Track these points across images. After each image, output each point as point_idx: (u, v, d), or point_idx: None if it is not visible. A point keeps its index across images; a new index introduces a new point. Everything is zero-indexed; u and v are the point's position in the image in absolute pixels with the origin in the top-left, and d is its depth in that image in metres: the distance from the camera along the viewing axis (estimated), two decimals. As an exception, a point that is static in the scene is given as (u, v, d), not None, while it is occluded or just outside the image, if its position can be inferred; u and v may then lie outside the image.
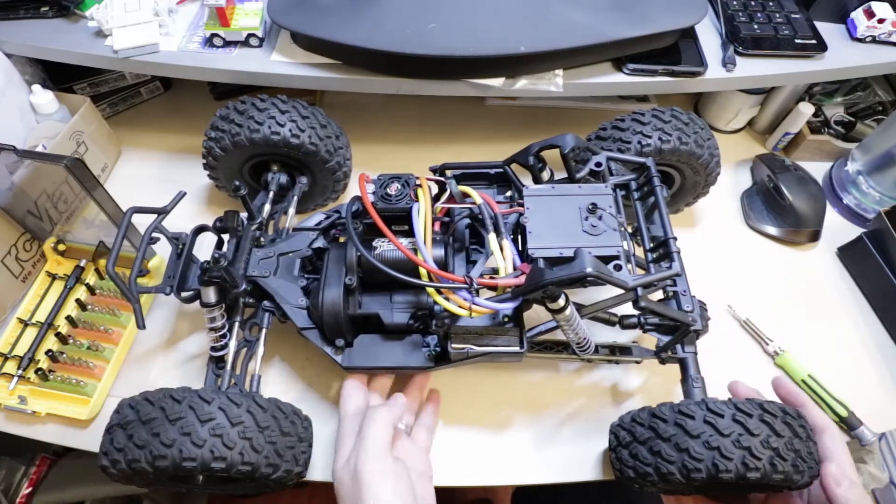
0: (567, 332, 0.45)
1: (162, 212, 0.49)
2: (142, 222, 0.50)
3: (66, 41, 0.60)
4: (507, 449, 0.52)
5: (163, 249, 0.60)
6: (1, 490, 0.68)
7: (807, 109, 0.70)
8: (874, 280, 0.62)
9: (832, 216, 0.71)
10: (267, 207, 0.56)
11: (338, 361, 0.48)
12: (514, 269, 0.44)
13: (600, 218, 0.44)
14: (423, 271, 0.44)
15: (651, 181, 0.50)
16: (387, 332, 0.49)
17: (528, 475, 0.51)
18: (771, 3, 0.69)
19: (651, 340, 0.52)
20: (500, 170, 0.54)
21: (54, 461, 0.72)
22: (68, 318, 0.55)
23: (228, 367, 0.47)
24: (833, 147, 0.74)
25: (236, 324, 0.49)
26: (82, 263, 0.59)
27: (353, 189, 0.67)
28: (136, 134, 0.72)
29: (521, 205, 0.46)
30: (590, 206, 0.45)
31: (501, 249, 0.44)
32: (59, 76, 0.68)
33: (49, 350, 0.52)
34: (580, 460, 0.52)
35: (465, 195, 0.48)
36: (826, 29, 0.67)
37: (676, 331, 0.48)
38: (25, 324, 0.55)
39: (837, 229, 0.69)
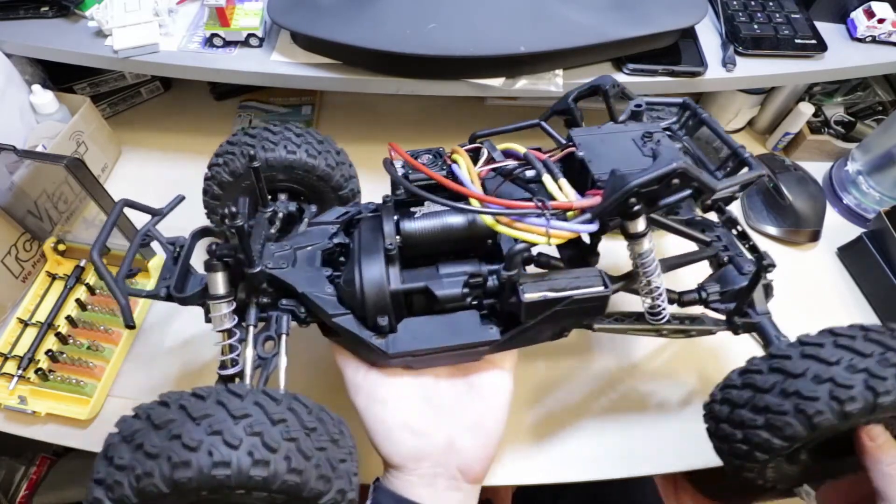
0: (642, 276, 0.40)
1: (157, 213, 0.44)
2: (143, 223, 0.49)
3: (66, 41, 0.60)
4: (508, 449, 0.52)
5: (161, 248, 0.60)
6: (1, 490, 0.68)
7: (807, 109, 0.70)
8: (874, 280, 0.62)
9: (832, 216, 0.71)
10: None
11: (380, 348, 0.39)
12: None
13: (658, 143, 0.40)
14: (475, 203, 0.38)
15: (697, 114, 0.47)
16: (434, 312, 0.42)
17: (529, 475, 0.51)
18: (771, 3, 0.69)
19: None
20: (537, 126, 0.48)
21: (54, 461, 0.72)
22: (68, 318, 0.55)
23: (248, 381, 0.39)
24: (833, 147, 0.74)
25: (251, 329, 0.41)
26: (82, 263, 0.59)
27: (367, 197, 0.60)
28: (136, 134, 0.72)
29: (567, 147, 0.42)
30: (645, 135, 0.41)
31: (560, 190, 0.38)
32: (59, 76, 0.68)
33: (49, 350, 0.52)
34: (582, 459, 0.52)
35: (506, 153, 0.43)
36: (826, 29, 0.67)
37: (741, 294, 0.44)
38: (25, 324, 0.55)
39: (837, 229, 0.69)
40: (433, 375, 0.42)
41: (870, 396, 0.32)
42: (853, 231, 0.67)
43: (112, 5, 0.60)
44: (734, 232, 0.48)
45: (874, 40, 0.68)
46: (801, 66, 0.65)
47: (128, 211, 0.54)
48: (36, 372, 0.51)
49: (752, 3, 0.69)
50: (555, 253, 0.45)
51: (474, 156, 0.43)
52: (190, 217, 0.63)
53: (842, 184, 0.71)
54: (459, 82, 0.60)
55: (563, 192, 0.38)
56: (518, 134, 0.48)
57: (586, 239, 0.42)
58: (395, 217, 0.42)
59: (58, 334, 0.53)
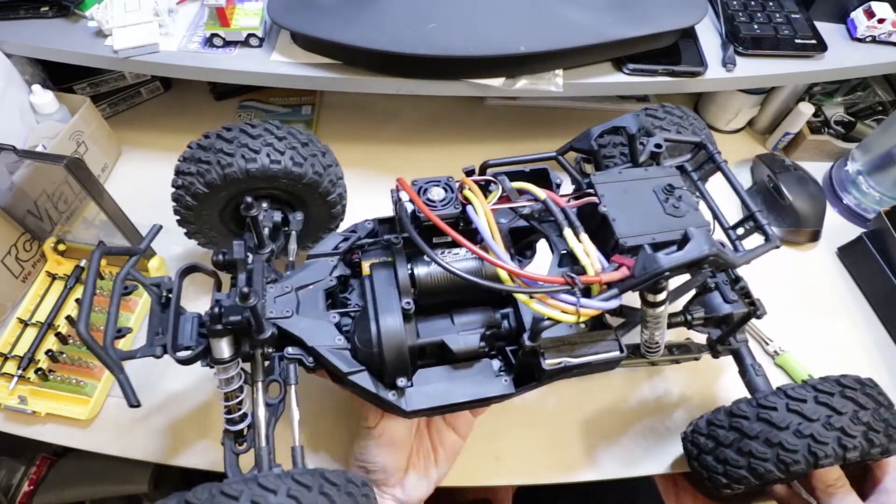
0: (651, 329, 0.42)
1: (135, 252, 0.40)
2: (143, 223, 0.48)
3: (66, 41, 0.60)
4: (508, 449, 0.52)
5: (161, 248, 0.60)
6: (1, 490, 0.68)
7: (807, 109, 0.70)
8: (874, 280, 0.62)
9: (832, 216, 0.71)
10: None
11: (400, 407, 0.39)
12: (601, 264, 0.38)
13: (680, 198, 0.40)
14: (503, 275, 0.37)
15: (713, 159, 0.47)
16: (447, 362, 0.42)
17: (529, 475, 0.51)
18: (771, 3, 0.69)
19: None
20: (539, 167, 0.47)
21: (54, 461, 0.72)
22: (68, 318, 0.55)
23: (263, 441, 0.37)
24: (833, 147, 0.74)
25: (259, 386, 0.39)
26: (82, 263, 0.59)
27: (349, 221, 0.54)
28: (136, 134, 0.72)
29: (587, 195, 0.41)
30: (666, 187, 0.41)
31: (583, 247, 0.38)
32: (59, 76, 0.68)
33: (49, 350, 0.52)
34: (582, 460, 0.52)
35: (521, 192, 0.43)
36: (826, 29, 0.67)
37: (727, 322, 0.47)
38: (25, 324, 0.55)
39: (837, 229, 0.69)
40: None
41: (840, 452, 0.37)
42: (853, 231, 0.67)
43: (112, 5, 0.60)
44: (738, 288, 0.48)
45: (874, 40, 0.68)
46: (801, 66, 0.65)
47: (125, 207, 0.55)
48: (36, 372, 0.51)
49: (752, 3, 0.69)
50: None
51: (485, 187, 0.43)
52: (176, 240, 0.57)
53: (842, 184, 0.71)
54: (459, 82, 0.60)
55: (586, 253, 0.38)
56: (498, 144, 0.47)
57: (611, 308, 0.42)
58: (409, 266, 0.41)
59: (58, 334, 0.53)
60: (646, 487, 0.66)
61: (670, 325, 0.47)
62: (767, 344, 0.59)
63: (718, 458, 0.42)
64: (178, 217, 0.51)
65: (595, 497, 0.64)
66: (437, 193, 0.41)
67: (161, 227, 0.42)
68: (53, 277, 0.58)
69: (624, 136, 0.47)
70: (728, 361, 0.50)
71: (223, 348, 0.38)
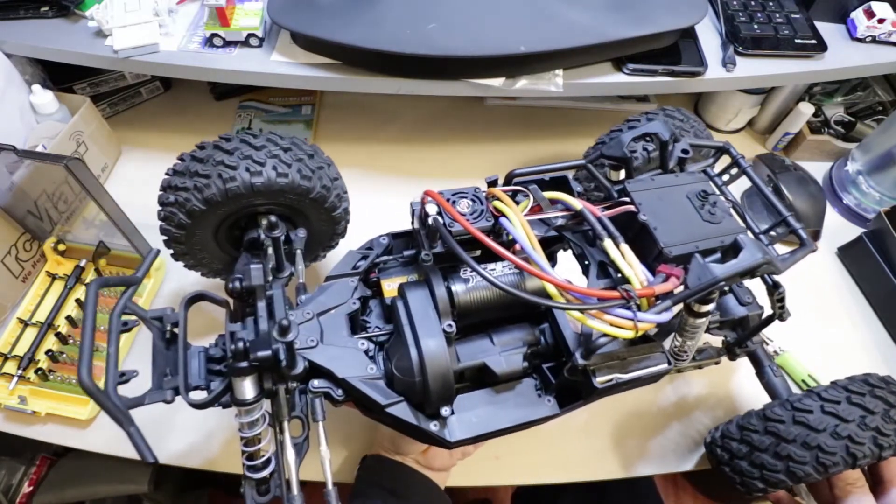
0: (686, 338, 0.41)
1: (132, 282, 0.35)
2: (143, 223, 0.47)
3: (66, 41, 0.60)
4: (508, 449, 0.52)
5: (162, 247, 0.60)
6: (1, 490, 0.68)
7: (807, 109, 0.70)
8: (874, 280, 0.62)
9: (832, 216, 0.71)
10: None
11: (444, 438, 0.37)
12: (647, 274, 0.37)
13: (714, 204, 0.40)
14: (551, 290, 0.35)
15: (738, 163, 0.47)
16: (485, 385, 0.40)
17: (529, 475, 0.51)
18: (771, 3, 0.69)
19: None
20: (559, 174, 0.46)
21: (54, 461, 0.72)
22: (68, 318, 0.55)
23: (295, 489, 0.34)
24: (833, 147, 0.74)
25: (286, 426, 0.36)
26: (82, 263, 0.59)
27: (352, 236, 0.53)
28: (136, 134, 0.72)
29: (622, 203, 0.40)
30: (700, 194, 0.40)
31: (624, 258, 0.36)
32: (59, 76, 0.68)
33: (49, 350, 0.52)
34: (582, 459, 0.52)
35: (554, 201, 0.41)
36: (826, 29, 0.67)
37: (742, 324, 0.47)
38: (25, 324, 0.55)
39: (837, 229, 0.69)
40: None
41: (876, 451, 0.38)
42: (853, 231, 0.67)
43: (112, 5, 0.60)
44: (775, 297, 0.47)
45: (874, 40, 0.68)
46: (801, 66, 0.65)
47: (125, 207, 0.55)
48: (36, 372, 0.51)
49: (752, 3, 0.69)
50: None
51: (512, 197, 0.41)
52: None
53: (842, 184, 0.71)
54: (459, 82, 0.60)
55: (629, 263, 0.36)
56: (498, 144, 0.45)
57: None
58: (446, 284, 0.39)
59: (58, 334, 0.53)
60: (645, 487, 0.66)
61: None
62: (767, 344, 0.59)
63: (755, 462, 0.42)
64: (165, 237, 0.46)
65: (595, 497, 0.64)
66: (465, 206, 0.39)
67: (158, 251, 0.39)
68: (53, 277, 0.58)
69: (655, 143, 0.47)
70: (728, 362, 0.50)
71: (247, 388, 0.34)
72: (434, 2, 0.58)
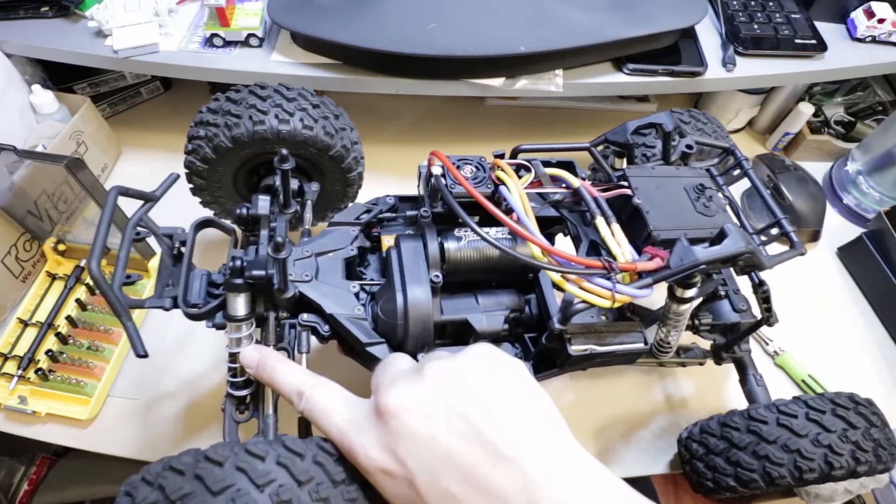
0: (670, 327, 0.42)
1: (149, 198, 0.37)
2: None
3: (66, 41, 0.60)
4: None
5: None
6: (1, 490, 0.68)
7: (807, 109, 0.70)
8: (874, 280, 0.62)
9: (832, 216, 0.71)
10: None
11: None
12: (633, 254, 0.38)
13: (710, 198, 0.41)
14: (536, 252, 0.36)
15: (741, 165, 0.48)
16: (465, 343, 0.41)
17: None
18: (771, 3, 0.69)
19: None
20: (566, 159, 0.48)
21: (54, 461, 0.72)
22: (68, 318, 0.55)
23: (270, 409, 0.36)
24: (833, 147, 0.74)
25: (270, 347, 0.38)
26: (82, 263, 0.59)
27: (364, 195, 0.55)
28: (136, 134, 0.72)
29: (620, 187, 0.41)
30: (698, 187, 0.41)
31: (614, 237, 0.38)
32: (59, 76, 0.68)
33: (49, 350, 0.52)
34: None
35: (554, 178, 0.43)
36: (826, 29, 0.67)
37: (733, 330, 0.47)
38: (25, 324, 0.55)
39: (837, 229, 0.69)
40: None
41: (825, 469, 0.38)
42: (853, 231, 0.67)
43: (112, 5, 0.60)
44: (761, 295, 0.48)
45: (874, 40, 0.68)
46: (801, 66, 0.65)
47: (125, 207, 0.55)
48: (36, 372, 0.51)
49: (752, 3, 0.69)
50: None
51: (516, 171, 0.42)
52: (181, 207, 0.56)
53: (842, 184, 0.71)
54: (459, 82, 0.60)
55: (617, 242, 0.38)
56: (498, 144, 0.46)
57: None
58: (439, 240, 0.40)
59: (58, 334, 0.53)
60: (642, 488, 0.66)
61: None
62: (767, 344, 0.59)
63: (708, 464, 0.43)
64: (188, 170, 0.49)
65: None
66: (469, 171, 0.42)
67: (178, 175, 0.40)
68: (53, 277, 0.58)
69: (658, 135, 0.48)
70: (725, 374, 0.50)
71: (240, 305, 0.36)
72: (434, 2, 0.58)
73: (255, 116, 0.44)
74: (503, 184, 0.40)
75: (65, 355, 0.53)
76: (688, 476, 0.46)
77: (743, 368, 0.48)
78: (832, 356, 0.59)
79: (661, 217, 0.39)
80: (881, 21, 0.66)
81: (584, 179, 0.44)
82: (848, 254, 0.66)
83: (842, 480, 0.39)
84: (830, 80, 0.76)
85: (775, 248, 0.67)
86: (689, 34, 0.65)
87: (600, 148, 0.49)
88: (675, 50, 0.64)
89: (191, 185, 0.50)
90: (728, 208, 0.42)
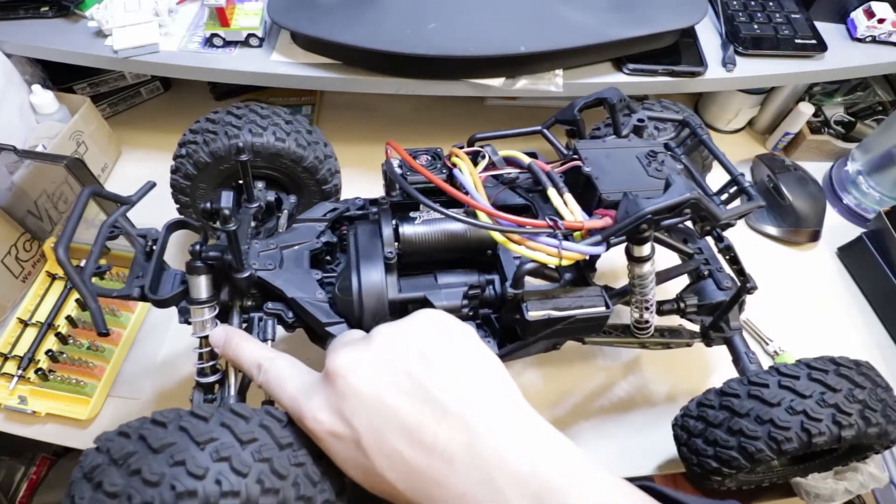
0: (637, 295, 0.41)
1: (126, 202, 0.40)
2: (143, 223, 0.48)
3: (66, 41, 0.60)
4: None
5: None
6: (1, 490, 0.68)
7: (807, 109, 0.70)
8: (874, 280, 0.62)
9: (832, 216, 0.71)
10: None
11: None
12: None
13: (662, 163, 0.42)
14: (483, 218, 0.37)
15: (697, 135, 0.48)
16: None
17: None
18: (771, 3, 0.69)
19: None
20: (529, 150, 0.47)
21: (54, 461, 0.72)
22: (68, 318, 0.55)
23: (233, 390, 0.37)
24: (833, 147, 0.74)
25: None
26: (82, 263, 0.59)
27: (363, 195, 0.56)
28: (136, 134, 0.72)
29: (571, 160, 0.42)
30: (650, 153, 0.42)
31: (566, 206, 0.38)
32: (59, 76, 0.68)
33: (49, 350, 0.52)
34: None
35: (509, 162, 0.44)
36: (826, 29, 0.67)
37: (718, 309, 0.46)
38: (25, 324, 0.55)
39: (837, 229, 0.69)
40: None
41: (835, 430, 0.36)
42: (853, 231, 0.67)
43: (112, 5, 0.60)
44: (728, 256, 0.49)
45: (874, 40, 0.68)
46: (801, 66, 0.65)
47: (147, 205, 0.54)
48: (36, 372, 0.51)
49: (752, 3, 0.69)
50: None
51: (473, 159, 0.43)
52: (160, 209, 0.55)
53: (842, 184, 0.71)
54: (459, 82, 0.60)
55: (570, 210, 0.38)
56: (497, 144, 0.47)
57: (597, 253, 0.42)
58: (394, 221, 0.41)
59: (58, 334, 0.53)
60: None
61: (663, 313, 0.47)
62: (767, 344, 0.59)
63: (708, 439, 0.41)
64: (173, 188, 0.51)
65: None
66: (424, 160, 0.44)
67: (154, 184, 0.42)
68: (53, 277, 0.58)
69: (605, 108, 0.48)
70: (726, 359, 0.49)
71: (201, 286, 0.38)
72: (434, 2, 0.58)
73: (230, 132, 0.48)
74: (458, 169, 0.41)
75: (65, 355, 0.53)
76: (684, 459, 0.45)
77: (734, 348, 0.47)
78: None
79: (612, 182, 0.40)
80: (881, 21, 0.66)
81: (535, 158, 0.45)
82: (848, 254, 0.66)
83: (851, 447, 0.37)
84: (830, 80, 0.76)
85: (787, 249, 0.67)
86: (689, 34, 0.65)
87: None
88: (675, 50, 0.64)
89: (177, 206, 0.52)
90: (682, 174, 0.42)
